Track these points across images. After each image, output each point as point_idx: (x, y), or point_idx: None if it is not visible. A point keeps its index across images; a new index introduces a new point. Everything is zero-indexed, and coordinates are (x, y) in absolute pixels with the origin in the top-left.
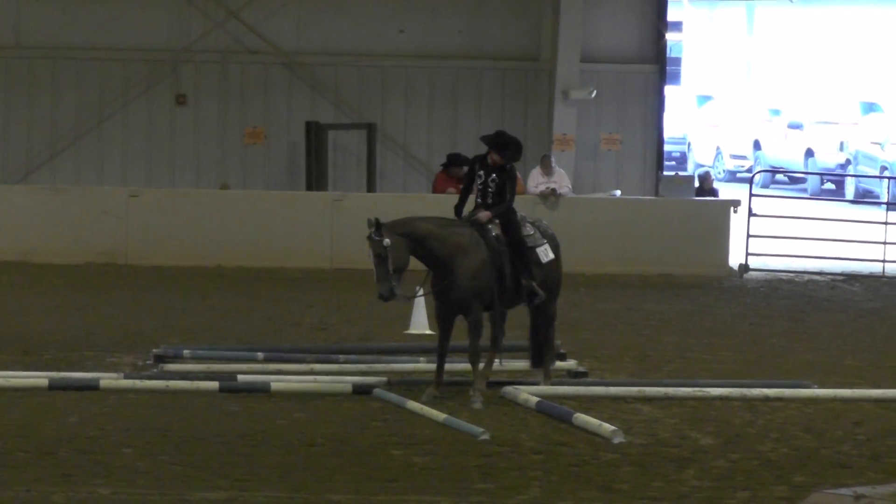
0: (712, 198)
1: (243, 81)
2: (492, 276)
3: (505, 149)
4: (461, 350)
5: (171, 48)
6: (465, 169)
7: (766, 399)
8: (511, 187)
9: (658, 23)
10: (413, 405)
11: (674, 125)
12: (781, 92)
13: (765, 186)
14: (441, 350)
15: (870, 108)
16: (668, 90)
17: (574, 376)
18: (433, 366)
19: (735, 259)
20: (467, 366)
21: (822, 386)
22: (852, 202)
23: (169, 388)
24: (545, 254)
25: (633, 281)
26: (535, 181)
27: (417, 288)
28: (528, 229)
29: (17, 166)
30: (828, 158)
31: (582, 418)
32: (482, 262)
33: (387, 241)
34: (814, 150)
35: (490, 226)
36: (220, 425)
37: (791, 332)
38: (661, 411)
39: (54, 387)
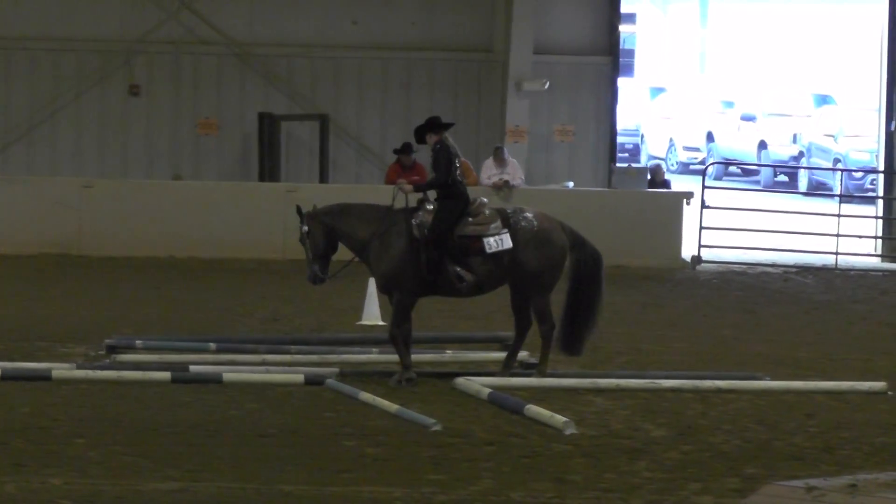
0: (665, 190)
1: (196, 72)
2: (411, 263)
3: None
4: (427, 340)
5: (125, 39)
6: (414, 157)
7: (719, 391)
8: (438, 166)
9: (611, 14)
10: (365, 396)
11: (627, 117)
12: (734, 84)
13: (718, 178)
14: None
15: (823, 100)
16: (622, 82)
17: (526, 367)
18: (385, 357)
19: (688, 251)
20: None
21: (774, 378)
22: (805, 194)
23: (121, 378)
24: (494, 243)
25: None
26: (488, 172)
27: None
28: (483, 218)
29: None
30: (781, 150)
31: (534, 409)
32: (398, 250)
33: (304, 228)
34: (767, 142)
35: (420, 212)
36: (172, 416)
37: (744, 324)
38: (614, 403)
39: (6, 377)
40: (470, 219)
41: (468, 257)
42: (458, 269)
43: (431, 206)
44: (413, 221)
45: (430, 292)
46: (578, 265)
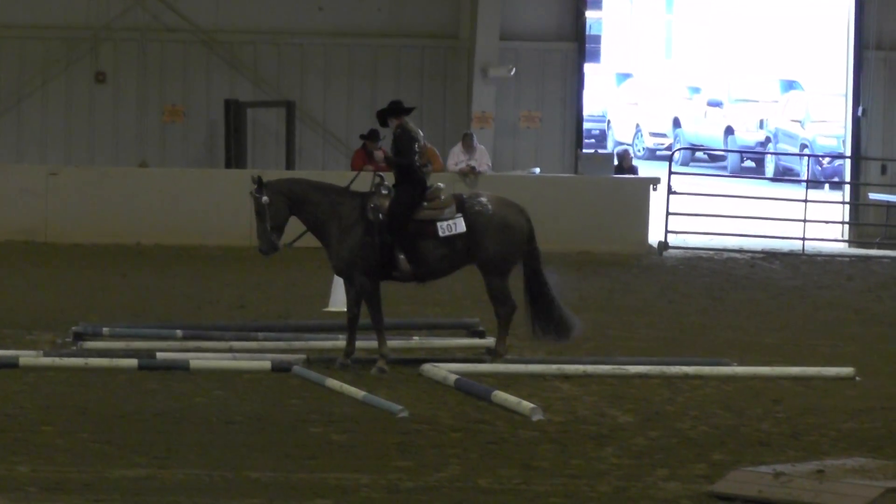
0: (632, 175)
1: (162, 59)
2: (367, 246)
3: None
4: (394, 327)
5: (91, 26)
6: (381, 143)
7: (686, 377)
8: (401, 148)
9: (577, 0)
10: (332, 383)
11: (593, 103)
12: (701, 70)
13: (684, 164)
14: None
15: (789, 85)
16: (588, 68)
17: (492, 353)
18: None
19: (654, 237)
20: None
21: (741, 363)
22: (772, 180)
23: (88, 365)
24: (447, 227)
25: (552, 259)
26: (455, 159)
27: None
28: (438, 203)
29: None
30: (748, 136)
31: (501, 396)
32: (356, 233)
33: (265, 198)
34: (733, 127)
35: (376, 196)
36: (139, 403)
37: (710, 310)
38: (580, 389)
39: None
40: (425, 203)
41: (421, 241)
42: (402, 256)
43: (387, 192)
44: (369, 204)
45: (385, 277)
46: (525, 258)
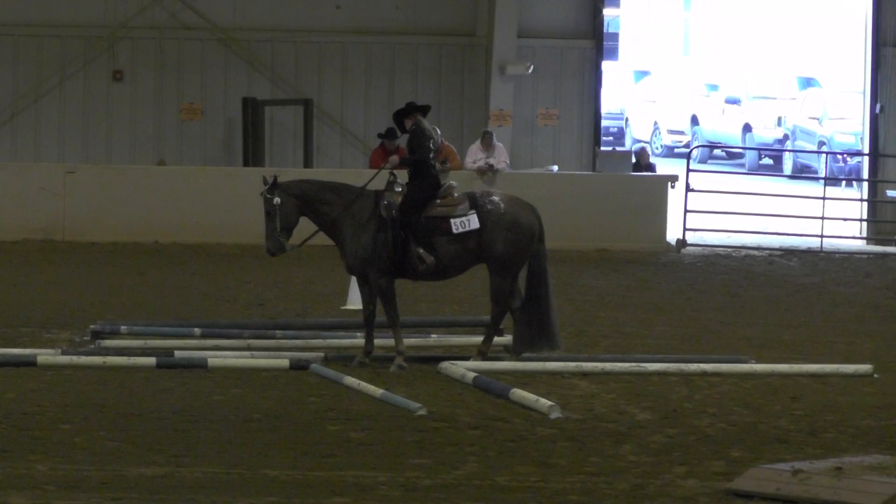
0: (649, 173)
1: (180, 57)
2: (381, 243)
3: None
4: (412, 325)
5: (108, 24)
6: (398, 142)
7: (704, 374)
8: (417, 145)
9: None
10: (350, 381)
11: (611, 100)
12: (719, 67)
13: (702, 161)
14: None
15: (807, 83)
16: (606, 65)
17: (510, 351)
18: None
19: (672, 234)
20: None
21: (759, 361)
22: (790, 177)
23: (106, 364)
24: (461, 224)
25: (570, 256)
26: (474, 157)
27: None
28: (451, 199)
29: None
30: (765, 133)
31: (519, 394)
32: (370, 231)
33: (277, 199)
34: (751, 125)
35: (388, 192)
36: (157, 401)
37: (728, 308)
38: (598, 386)
39: None
40: (438, 200)
41: (434, 238)
42: (421, 250)
43: (400, 189)
44: (382, 202)
45: (398, 274)
46: (532, 258)
